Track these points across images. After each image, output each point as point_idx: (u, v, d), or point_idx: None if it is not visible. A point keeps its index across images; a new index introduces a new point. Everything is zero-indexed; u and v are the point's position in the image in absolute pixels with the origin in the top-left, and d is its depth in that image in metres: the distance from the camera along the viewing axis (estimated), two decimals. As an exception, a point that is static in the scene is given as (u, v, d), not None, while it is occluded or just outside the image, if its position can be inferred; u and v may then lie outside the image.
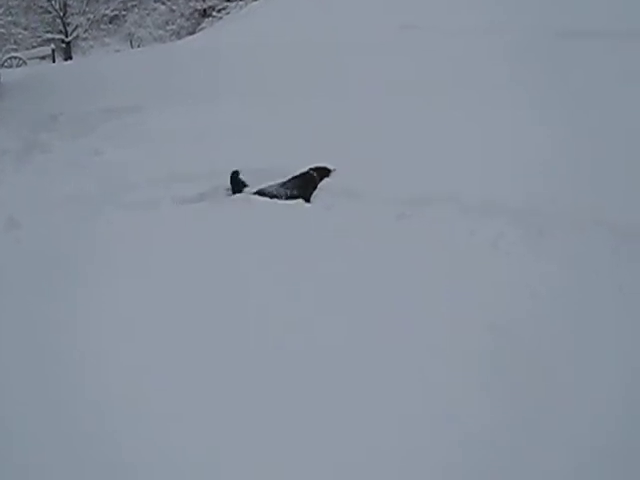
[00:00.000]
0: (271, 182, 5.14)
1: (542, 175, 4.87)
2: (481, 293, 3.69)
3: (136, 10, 27.47)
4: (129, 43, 26.64)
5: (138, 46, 24.91)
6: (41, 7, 24.14)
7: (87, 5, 24.86)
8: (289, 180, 5.19)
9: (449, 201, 4.66)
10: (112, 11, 26.60)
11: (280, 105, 7.05)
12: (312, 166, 5.27)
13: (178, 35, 24.53)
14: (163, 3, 27.28)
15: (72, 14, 24.63)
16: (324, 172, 5.28)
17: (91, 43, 26.52)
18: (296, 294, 3.79)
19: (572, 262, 3.94)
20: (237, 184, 5.32)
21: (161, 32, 26.76)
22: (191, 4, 26.63)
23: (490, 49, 7.75)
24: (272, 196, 5.04)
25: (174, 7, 27.02)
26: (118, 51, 23.20)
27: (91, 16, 25.20)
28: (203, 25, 24.09)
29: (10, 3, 22.60)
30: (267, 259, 4.12)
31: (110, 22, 27.32)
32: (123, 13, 27.44)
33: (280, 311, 3.65)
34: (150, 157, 6.18)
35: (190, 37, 16.80)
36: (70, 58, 23.73)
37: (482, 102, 6.35)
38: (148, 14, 27.51)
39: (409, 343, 3.35)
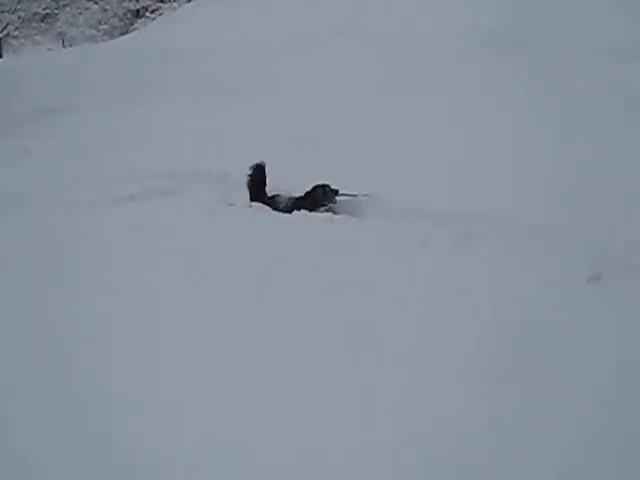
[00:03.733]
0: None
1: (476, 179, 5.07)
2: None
3: (68, 9, 26.95)
4: (61, 42, 26.11)
5: (70, 45, 24.44)
6: (-30, 4, 23.57)
7: (19, 3, 24.32)
8: (299, 197, 5.22)
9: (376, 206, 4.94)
10: (44, 9, 26.09)
11: (220, 105, 7.13)
12: (320, 184, 5.18)
13: (111, 35, 24.20)
14: (96, 2, 26.82)
15: (3, 11, 24.08)
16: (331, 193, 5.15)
17: (22, 41, 25.90)
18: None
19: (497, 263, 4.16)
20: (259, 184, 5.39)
21: (93, 32, 26.31)
22: (124, 4, 26.30)
23: (428, 54, 7.88)
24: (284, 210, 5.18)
25: (107, 7, 26.63)
26: (50, 50, 22.74)
27: (22, 14, 24.68)
28: (136, 25, 23.85)
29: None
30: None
31: (42, 20, 26.72)
32: (55, 12, 26.88)
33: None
34: (80, 157, 6.17)
35: (123, 37, 16.60)
36: (0, 56, 23.17)
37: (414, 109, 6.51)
38: (80, 13, 27.01)
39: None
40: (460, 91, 6.80)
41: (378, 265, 4.21)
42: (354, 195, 5.12)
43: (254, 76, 7.95)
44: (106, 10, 26.77)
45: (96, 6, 26.94)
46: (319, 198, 5.13)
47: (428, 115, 6.27)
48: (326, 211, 5.08)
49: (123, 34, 20.67)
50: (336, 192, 5.13)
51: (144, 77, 8.71)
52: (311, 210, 5.08)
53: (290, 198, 5.27)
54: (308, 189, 5.16)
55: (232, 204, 5.33)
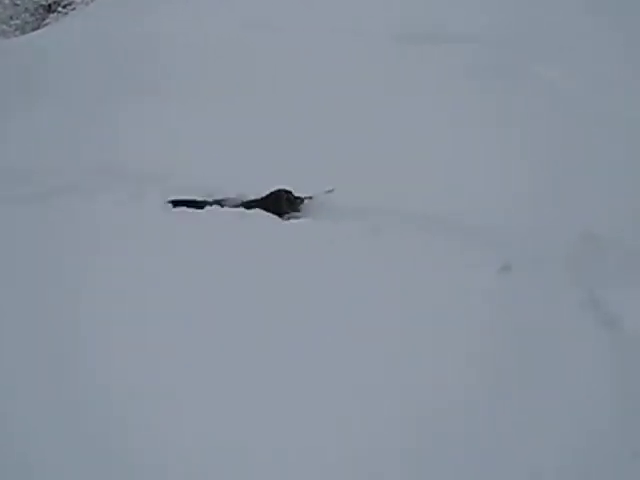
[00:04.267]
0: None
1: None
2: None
3: (-23, 4, 26.00)
4: (-30, 38, 25.14)
5: (-20, 41, 23.55)
6: None
7: None
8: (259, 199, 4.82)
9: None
10: (-49, 4, 25.07)
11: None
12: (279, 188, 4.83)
13: (22, 30, 23.37)
14: (6, -3, 25.95)
15: None
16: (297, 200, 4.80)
17: None
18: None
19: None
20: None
21: (4, 27, 25.40)
22: (36, -1, 25.52)
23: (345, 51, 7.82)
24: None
25: (18, 1, 25.74)
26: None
27: None
28: (48, 20, 23.09)
29: None
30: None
31: (-52, 16, 25.70)
32: (-37, 7, 25.89)
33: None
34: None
35: (35, 32, 16.04)
36: None
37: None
38: (-10, 8, 26.09)
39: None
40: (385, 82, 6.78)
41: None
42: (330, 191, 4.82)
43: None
44: (17, 5, 25.86)
45: (7, 1, 26.02)
46: (282, 205, 4.75)
47: (361, 108, 6.23)
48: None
49: (35, 29, 19.99)
50: (303, 200, 4.80)
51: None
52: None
53: (241, 203, 4.86)
54: (266, 193, 4.82)
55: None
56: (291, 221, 4.75)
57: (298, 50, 7.67)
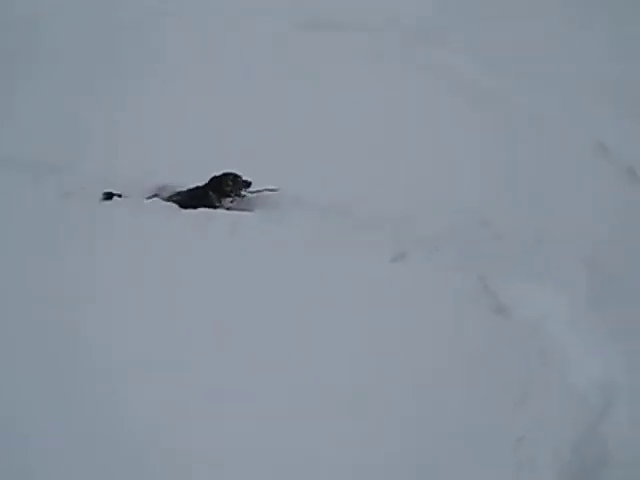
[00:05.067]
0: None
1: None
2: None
3: None
4: None
5: None
6: None
7: None
8: (200, 186, 4.81)
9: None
10: None
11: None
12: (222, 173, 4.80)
13: None
14: None
15: None
16: (242, 183, 4.76)
17: None
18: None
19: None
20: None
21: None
22: None
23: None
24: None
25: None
26: None
27: None
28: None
29: None
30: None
31: None
32: None
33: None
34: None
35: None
36: None
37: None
38: None
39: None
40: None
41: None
42: (274, 190, 4.77)
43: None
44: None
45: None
46: (226, 187, 4.74)
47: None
48: (230, 202, 4.74)
49: None
50: (248, 184, 4.76)
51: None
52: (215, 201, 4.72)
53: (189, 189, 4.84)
54: (216, 175, 4.81)
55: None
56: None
57: (207, 37, 7.58)
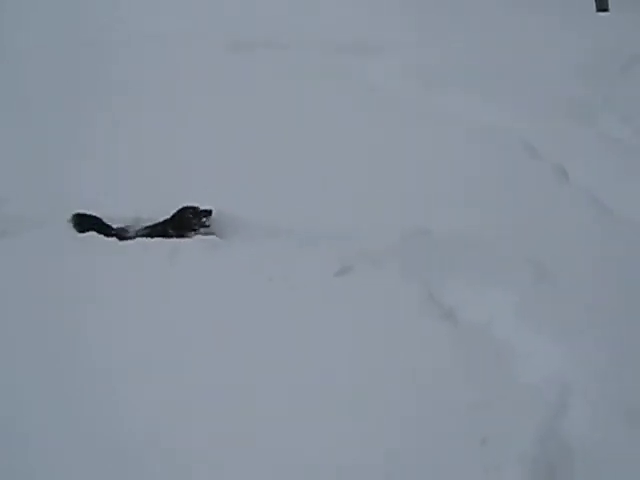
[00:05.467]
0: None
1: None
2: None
3: None
4: None
5: None
6: None
7: None
8: (157, 224, 4.67)
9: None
10: None
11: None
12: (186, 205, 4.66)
13: None
14: None
15: None
16: (202, 214, 4.62)
17: None
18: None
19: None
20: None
21: None
22: None
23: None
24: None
25: None
26: None
27: None
28: None
29: None
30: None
31: None
32: None
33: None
34: None
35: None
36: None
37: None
38: None
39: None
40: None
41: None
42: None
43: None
44: None
45: None
46: (189, 221, 4.60)
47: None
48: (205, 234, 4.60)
49: None
50: (209, 212, 4.63)
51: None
52: (179, 236, 4.58)
53: (147, 225, 4.71)
54: (174, 212, 4.66)
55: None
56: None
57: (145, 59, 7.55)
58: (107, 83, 7.04)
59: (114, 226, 4.77)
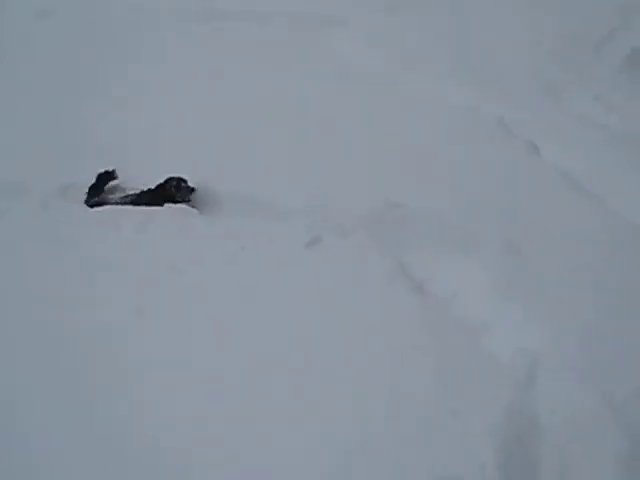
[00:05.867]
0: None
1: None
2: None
3: None
4: None
5: None
6: None
7: None
8: (141, 193, 4.66)
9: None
10: None
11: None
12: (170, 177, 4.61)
13: None
14: None
15: None
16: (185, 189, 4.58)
17: None
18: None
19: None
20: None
21: None
22: None
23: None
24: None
25: None
26: None
27: None
28: None
29: None
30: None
31: None
32: None
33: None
34: None
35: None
36: None
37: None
38: None
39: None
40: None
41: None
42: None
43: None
44: None
45: None
46: (172, 193, 4.56)
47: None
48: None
49: None
50: (192, 189, 4.58)
51: None
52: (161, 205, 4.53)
53: (131, 193, 4.70)
54: (160, 182, 4.61)
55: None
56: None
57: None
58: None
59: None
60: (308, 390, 3.14)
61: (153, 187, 4.66)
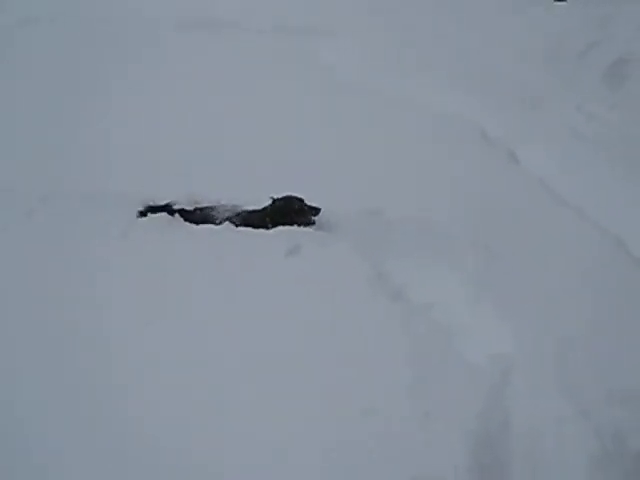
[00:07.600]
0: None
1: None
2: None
3: None
4: None
5: None
6: None
7: None
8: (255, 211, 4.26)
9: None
10: None
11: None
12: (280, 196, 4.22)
13: None
14: None
15: None
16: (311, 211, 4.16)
17: None
18: None
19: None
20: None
21: None
22: None
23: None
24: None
25: None
26: None
27: None
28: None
29: None
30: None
31: None
32: None
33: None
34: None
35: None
36: None
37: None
38: None
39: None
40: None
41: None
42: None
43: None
44: None
45: None
46: (292, 215, 4.15)
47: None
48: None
49: None
50: (317, 210, 4.17)
51: None
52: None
53: (239, 212, 4.27)
54: (271, 200, 4.25)
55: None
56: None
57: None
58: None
59: (199, 206, 4.39)
60: (287, 392, 3.17)
61: (268, 206, 4.24)
